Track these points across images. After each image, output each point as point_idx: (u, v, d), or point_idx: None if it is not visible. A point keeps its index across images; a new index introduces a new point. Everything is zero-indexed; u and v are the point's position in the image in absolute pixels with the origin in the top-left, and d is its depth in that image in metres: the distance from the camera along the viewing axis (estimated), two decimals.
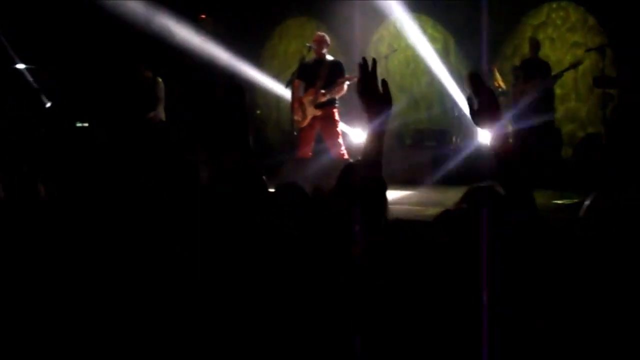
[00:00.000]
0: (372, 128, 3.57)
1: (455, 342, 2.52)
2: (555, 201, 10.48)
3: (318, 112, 11.16)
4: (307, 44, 11.69)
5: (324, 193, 4.41)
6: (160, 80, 12.52)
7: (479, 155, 12.58)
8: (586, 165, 11.50)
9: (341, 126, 11.54)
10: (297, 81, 11.41)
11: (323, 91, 11.12)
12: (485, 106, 3.36)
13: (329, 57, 11.43)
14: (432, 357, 2.50)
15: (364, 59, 3.62)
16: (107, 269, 3.28)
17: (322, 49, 11.34)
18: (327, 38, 11.51)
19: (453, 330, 2.53)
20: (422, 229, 2.83)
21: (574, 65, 12.94)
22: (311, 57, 11.53)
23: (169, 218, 3.68)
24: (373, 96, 3.59)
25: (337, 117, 11.29)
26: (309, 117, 11.21)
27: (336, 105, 11.33)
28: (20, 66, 14.48)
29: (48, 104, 13.58)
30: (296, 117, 11.31)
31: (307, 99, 11.19)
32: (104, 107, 13.59)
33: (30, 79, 14.36)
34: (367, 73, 3.62)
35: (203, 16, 16.29)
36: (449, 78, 14.51)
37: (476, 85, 3.36)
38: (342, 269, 2.92)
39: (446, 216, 3.16)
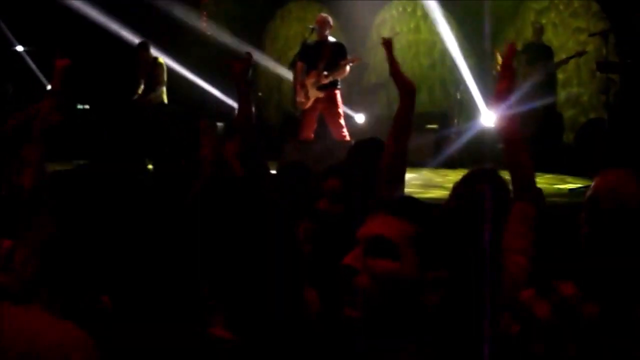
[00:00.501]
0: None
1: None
2: (557, 185, 10.49)
3: (321, 94, 11.13)
4: (310, 26, 11.66)
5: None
6: (162, 61, 12.51)
7: (480, 137, 12.58)
8: (588, 150, 11.49)
9: (343, 108, 11.51)
10: (299, 63, 11.37)
11: (326, 73, 11.09)
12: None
13: (331, 39, 11.38)
14: None
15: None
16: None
17: (324, 30, 11.28)
18: (330, 19, 11.46)
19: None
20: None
21: (579, 54, 12.90)
22: (313, 38, 11.49)
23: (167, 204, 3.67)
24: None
25: (339, 99, 11.26)
26: (312, 99, 11.17)
27: (338, 87, 11.29)
28: (19, 48, 14.47)
29: (49, 87, 13.56)
30: (299, 99, 11.27)
31: (310, 81, 11.15)
32: (104, 89, 13.60)
33: (29, 61, 14.36)
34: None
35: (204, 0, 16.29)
36: (453, 60, 14.49)
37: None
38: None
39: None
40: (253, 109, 5.66)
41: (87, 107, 13.62)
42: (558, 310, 2.60)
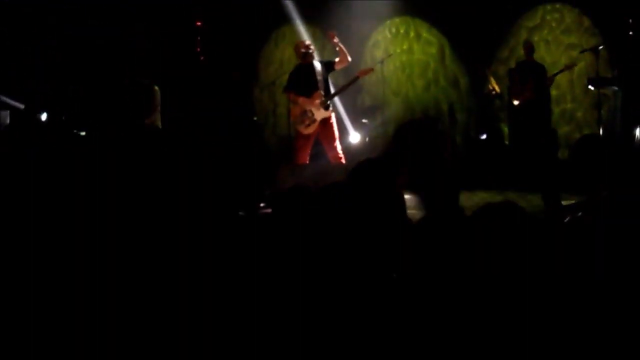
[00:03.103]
0: None
1: None
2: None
3: (328, 114, 11.20)
4: (305, 50, 11.60)
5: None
6: (156, 87, 12.56)
7: (474, 157, 12.63)
8: (582, 166, 11.53)
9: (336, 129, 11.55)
10: (291, 94, 11.44)
11: (333, 91, 11.18)
12: None
13: (316, 61, 11.48)
14: None
15: None
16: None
17: (312, 53, 11.39)
18: (307, 42, 11.59)
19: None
20: None
21: (568, 67, 12.99)
22: (295, 64, 11.63)
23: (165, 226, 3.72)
24: None
25: (334, 121, 11.33)
26: (318, 121, 11.21)
27: (332, 109, 11.38)
28: None
29: (44, 116, 13.58)
30: (301, 127, 11.30)
31: (315, 104, 11.20)
32: (99, 114, 13.62)
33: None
34: None
35: (199, 23, 16.34)
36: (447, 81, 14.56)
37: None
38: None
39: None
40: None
41: (83, 133, 13.63)
42: None
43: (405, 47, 15.54)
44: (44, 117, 13.67)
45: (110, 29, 14.82)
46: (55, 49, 14.20)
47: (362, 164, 4.50)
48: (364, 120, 14.39)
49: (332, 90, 11.34)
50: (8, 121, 13.11)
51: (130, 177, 4.41)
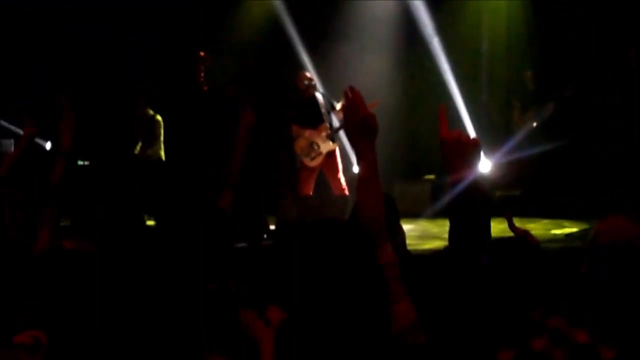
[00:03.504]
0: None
1: None
2: (554, 231, 10.56)
3: (334, 146, 11.23)
4: (307, 82, 11.58)
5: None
6: (159, 118, 12.58)
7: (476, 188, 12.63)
8: (584, 194, 11.56)
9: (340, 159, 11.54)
10: (295, 126, 11.46)
11: (338, 124, 11.19)
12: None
13: (317, 93, 11.50)
14: None
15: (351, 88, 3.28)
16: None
17: (313, 85, 11.42)
18: (307, 74, 11.61)
19: None
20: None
21: (566, 95, 13.00)
22: (297, 96, 11.59)
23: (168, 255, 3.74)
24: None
25: (338, 153, 11.32)
26: (324, 153, 11.25)
27: (336, 141, 11.39)
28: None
29: (48, 145, 13.60)
30: (307, 160, 11.32)
31: (321, 136, 11.24)
32: (102, 144, 13.66)
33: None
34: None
35: (202, 53, 16.37)
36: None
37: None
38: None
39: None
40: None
41: (87, 163, 13.66)
42: (575, 358, 2.69)
43: (407, 74, 15.53)
44: (47, 145, 13.69)
45: (112, 57, 14.87)
46: (58, 79, 14.23)
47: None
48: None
49: (335, 123, 11.32)
50: (12, 150, 13.11)
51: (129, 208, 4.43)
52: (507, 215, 4.33)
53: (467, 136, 2.83)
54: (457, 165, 2.79)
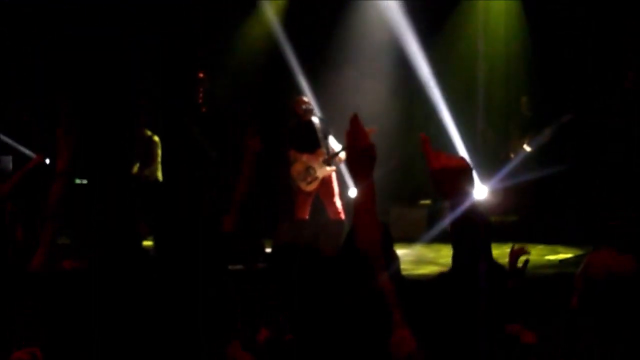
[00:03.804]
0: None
1: None
2: (548, 257, 10.58)
3: (330, 172, 11.27)
4: (305, 107, 11.61)
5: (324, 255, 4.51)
6: (157, 139, 12.61)
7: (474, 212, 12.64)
8: (580, 219, 11.59)
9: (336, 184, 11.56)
10: (292, 151, 11.49)
11: (335, 150, 11.21)
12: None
13: (314, 118, 11.54)
14: None
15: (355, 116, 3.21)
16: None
17: (310, 110, 11.46)
18: (305, 98, 11.64)
19: None
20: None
21: (565, 119, 13.03)
22: (293, 121, 11.67)
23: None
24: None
25: (334, 178, 11.35)
26: (320, 178, 11.28)
27: (334, 163, 11.42)
28: None
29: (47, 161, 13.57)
30: (303, 184, 11.34)
31: (318, 161, 11.27)
32: (99, 164, 13.66)
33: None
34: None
35: (201, 74, 16.42)
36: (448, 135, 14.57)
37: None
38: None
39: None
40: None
41: (84, 181, 13.66)
42: None
43: (404, 101, 15.56)
44: (47, 161, 13.65)
45: (111, 76, 14.91)
46: (57, 85, 14.25)
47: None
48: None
49: (332, 148, 11.35)
50: (11, 167, 13.10)
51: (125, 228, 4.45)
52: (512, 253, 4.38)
53: (455, 161, 2.80)
54: (451, 193, 2.80)
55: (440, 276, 3.56)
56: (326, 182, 11.22)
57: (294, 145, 11.38)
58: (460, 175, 2.77)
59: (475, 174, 2.85)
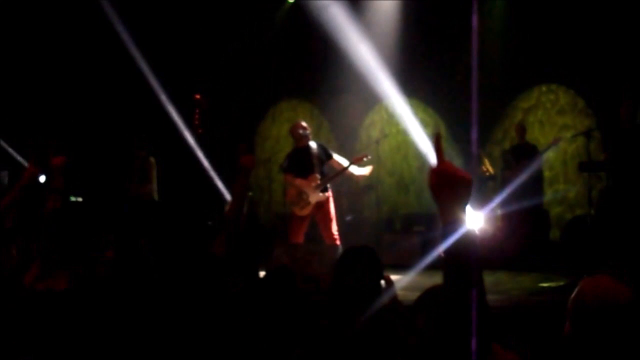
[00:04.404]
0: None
1: None
2: (541, 284, 10.58)
3: (323, 197, 11.29)
4: (302, 132, 11.64)
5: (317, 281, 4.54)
6: (152, 160, 12.63)
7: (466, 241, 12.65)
8: (573, 247, 11.60)
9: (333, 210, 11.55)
10: (289, 175, 11.52)
11: (327, 176, 11.22)
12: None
13: (312, 143, 11.53)
14: None
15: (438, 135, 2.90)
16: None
17: (307, 135, 11.50)
18: (303, 123, 11.67)
19: None
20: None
21: (555, 142, 13.07)
22: (293, 146, 11.72)
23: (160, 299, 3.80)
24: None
25: (331, 203, 11.38)
26: (313, 204, 11.28)
27: (329, 191, 11.43)
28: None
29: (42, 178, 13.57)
30: (296, 209, 11.34)
31: (310, 186, 11.28)
32: (95, 182, 13.68)
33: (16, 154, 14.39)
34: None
35: (197, 96, 16.48)
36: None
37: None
38: None
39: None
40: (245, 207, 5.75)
41: (80, 199, 13.66)
42: None
43: (400, 127, 15.62)
44: (42, 179, 13.65)
45: (109, 98, 14.98)
46: (56, 123, 14.31)
47: (348, 253, 4.54)
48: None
49: (329, 173, 11.37)
50: (7, 181, 13.11)
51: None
52: None
53: (461, 171, 2.74)
54: (448, 201, 2.74)
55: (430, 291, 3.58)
56: (321, 206, 11.23)
57: (289, 170, 11.41)
58: (460, 185, 2.70)
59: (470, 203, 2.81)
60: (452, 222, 2.66)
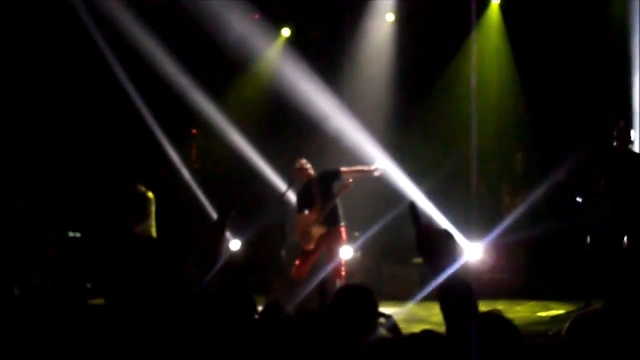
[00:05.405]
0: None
1: None
2: (540, 314, 10.57)
3: (323, 230, 11.27)
4: (301, 168, 11.64)
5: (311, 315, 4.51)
6: (151, 195, 12.59)
7: (465, 271, 12.64)
8: (574, 275, 11.58)
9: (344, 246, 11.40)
10: (297, 215, 11.59)
11: (324, 209, 11.19)
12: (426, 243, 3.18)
13: (314, 174, 11.56)
14: None
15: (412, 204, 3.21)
16: None
17: (308, 173, 11.53)
18: (304, 162, 11.71)
19: None
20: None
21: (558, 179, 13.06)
22: (298, 183, 11.72)
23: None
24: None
25: (344, 236, 11.32)
26: (315, 238, 11.27)
27: (343, 224, 11.38)
28: None
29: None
30: (303, 243, 11.38)
31: (313, 220, 11.26)
32: (94, 219, 13.67)
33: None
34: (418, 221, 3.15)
35: (194, 131, 16.55)
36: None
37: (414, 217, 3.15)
38: None
39: None
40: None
41: (78, 235, 13.64)
42: None
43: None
44: None
45: (105, 134, 15.01)
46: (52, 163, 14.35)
47: (342, 292, 4.53)
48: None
49: (330, 203, 11.34)
50: None
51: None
52: None
53: (441, 229, 2.89)
54: (435, 256, 2.86)
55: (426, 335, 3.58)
56: (327, 240, 11.17)
57: (299, 209, 11.53)
58: (446, 239, 2.85)
59: (461, 241, 2.92)
60: (438, 265, 2.99)
